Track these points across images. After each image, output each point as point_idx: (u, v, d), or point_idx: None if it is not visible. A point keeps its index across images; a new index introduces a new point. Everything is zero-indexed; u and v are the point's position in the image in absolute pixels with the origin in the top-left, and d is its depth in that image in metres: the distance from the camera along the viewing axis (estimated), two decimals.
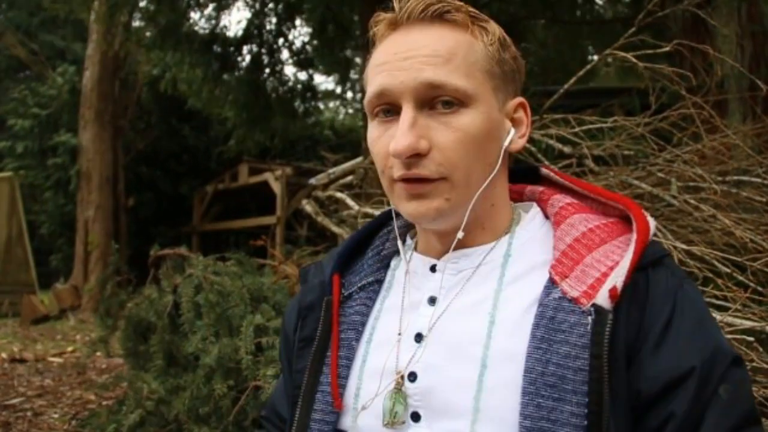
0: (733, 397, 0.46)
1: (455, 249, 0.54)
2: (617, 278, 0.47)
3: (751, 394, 0.47)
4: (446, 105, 0.49)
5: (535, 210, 0.57)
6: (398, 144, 0.49)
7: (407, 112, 0.49)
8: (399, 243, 0.59)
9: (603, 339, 0.45)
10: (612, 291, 0.46)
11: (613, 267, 0.48)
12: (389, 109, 0.51)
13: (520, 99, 0.55)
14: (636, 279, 0.48)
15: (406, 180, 0.51)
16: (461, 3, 0.52)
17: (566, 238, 0.52)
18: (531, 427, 0.45)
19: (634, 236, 0.49)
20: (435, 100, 0.49)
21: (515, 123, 0.55)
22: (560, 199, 0.56)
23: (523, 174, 0.61)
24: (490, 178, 0.52)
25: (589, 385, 0.45)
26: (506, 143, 0.53)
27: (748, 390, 0.47)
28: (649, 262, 0.49)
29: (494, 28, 0.53)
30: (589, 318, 0.46)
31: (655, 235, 0.52)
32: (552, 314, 0.48)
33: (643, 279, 0.48)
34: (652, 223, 0.51)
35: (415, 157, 0.49)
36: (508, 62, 0.54)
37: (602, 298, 0.47)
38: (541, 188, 0.59)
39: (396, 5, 0.52)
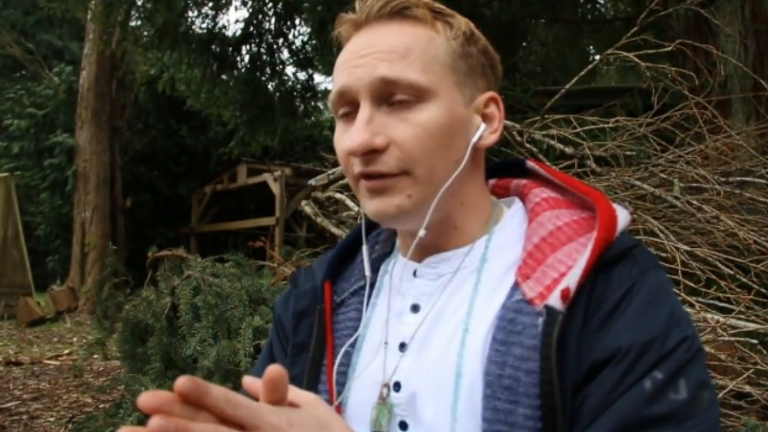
0: (661, 390, 0.42)
1: (434, 253, 0.54)
2: (571, 279, 0.46)
3: (698, 395, 0.42)
4: (404, 101, 0.49)
5: (516, 206, 0.56)
6: (352, 141, 0.48)
7: (363, 108, 0.49)
8: (366, 264, 0.58)
9: (552, 340, 0.44)
10: (563, 292, 0.45)
11: (572, 266, 0.47)
12: (350, 108, 0.51)
13: (491, 93, 0.54)
14: (595, 277, 0.47)
15: (366, 176, 0.50)
16: None
17: (534, 238, 0.51)
18: (488, 430, 0.45)
19: (595, 234, 0.48)
20: (392, 96, 0.49)
21: (486, 118, 0.54)
22: (538, 194, 0.54)
23: (510, 168, 0.60)
24: (455, 175, 0.50)
25: (540, 387, 0.44)
26: (475, 139, 0.52)
27: (692, 387, 0.42)
28: (611, 258, 0.47)
29: (460, 22, 0.53)
30: (540, 319, 0.46)
31: (631, 226, 0.51)
32: (511, 316, 0.47)
33: (602, 276, 0.47)
34: (623, 216, 0.50)
35: (371, 153, 0.49)
36: (474, 56, 0.52)
37: (554, 299, 0.46)
38: (524, 182, 0.58)
39: (357, 5, 0.52)
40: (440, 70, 0.50)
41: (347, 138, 0.49)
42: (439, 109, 0.49)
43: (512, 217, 0.55)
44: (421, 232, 0.51)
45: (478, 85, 0.53)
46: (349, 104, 0.51)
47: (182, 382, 0.33)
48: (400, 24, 0.51)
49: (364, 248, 0.58)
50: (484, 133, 0.53)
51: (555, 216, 0.51)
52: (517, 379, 0.45)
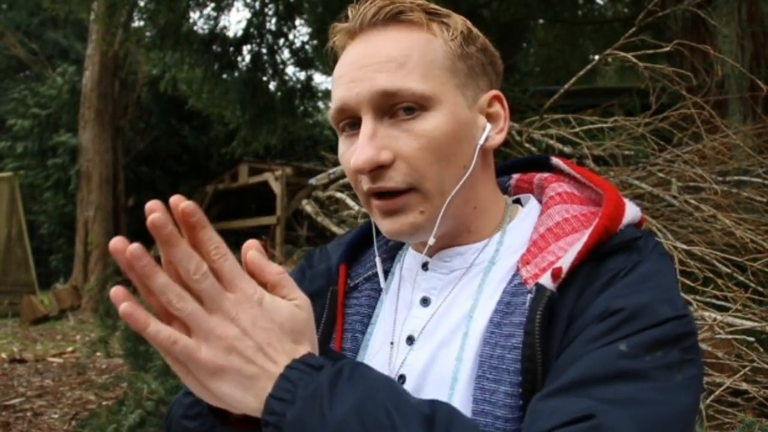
0: (636, 352, 0.40)
1: (447, 247, 0.53)
2: (565, 260, 0.46)
3: (675, 369, 0.40)
4: (407, 111, 0.48)
5: (531, 204, 0.56)
6: (357, 159, 0.47)
7: (366, 123, 0.48)
8: (378, 262, 0.58)
9: (536, 315, 0.44)
10: (555, 270, 0.45)
11: (569, 251, 0.47)
12: (352, 122, 0.50)
13: (494, 92, 0.53)
14: (595, 264, 0.46)
15: (377, 195, 0.50)
16: (416, 0, 0.51)
17: (540, 229, 0.51)
18: (475, 410, 0.45)
19: (596, 221, 0.47)
20: (394, 107, 0.48)
21: (491, 118, 0.53)
22: (555, 188, 0.54)
23: (535, 164, 0.60)
24: (463, 181, 0.50)
25: (521, 363, 0.44)
26: (481, 141, 0.51)
27: (670, 360, 0.40)
28: (611, 248, 0.46)
29: (456, 21, 0.51)
30: (529, 296, 0.46)
31: (638, 222, 0.50)
32: (508, 299, 0.48)
33: (603, 264, 0.46)
34: (631, 210, 0.49)
35: (378, 169, 0.48)
36: (474, 56, 0.51)
37: (545, 278, 0.46)
38: (546, 175, 0.57)
39: (350, 12, 0.51)
40: (440, 74, 0.49)
41: (352, 155, 0.48)
42: (443, 117, 0.48)
43: (527, 216, 0.54)
44: (431, 241, 0.50)
45: (480, 84, 0.52)
46: (351, 119, 0.50)
47: (188, 204, 0.35)
48: (396, 30, 0.49)
49: (377, 259, 0.58)
50: (491, 134, 0.52)
51: (565, 209, 0.51)
52: (502, 357, 0.45)
